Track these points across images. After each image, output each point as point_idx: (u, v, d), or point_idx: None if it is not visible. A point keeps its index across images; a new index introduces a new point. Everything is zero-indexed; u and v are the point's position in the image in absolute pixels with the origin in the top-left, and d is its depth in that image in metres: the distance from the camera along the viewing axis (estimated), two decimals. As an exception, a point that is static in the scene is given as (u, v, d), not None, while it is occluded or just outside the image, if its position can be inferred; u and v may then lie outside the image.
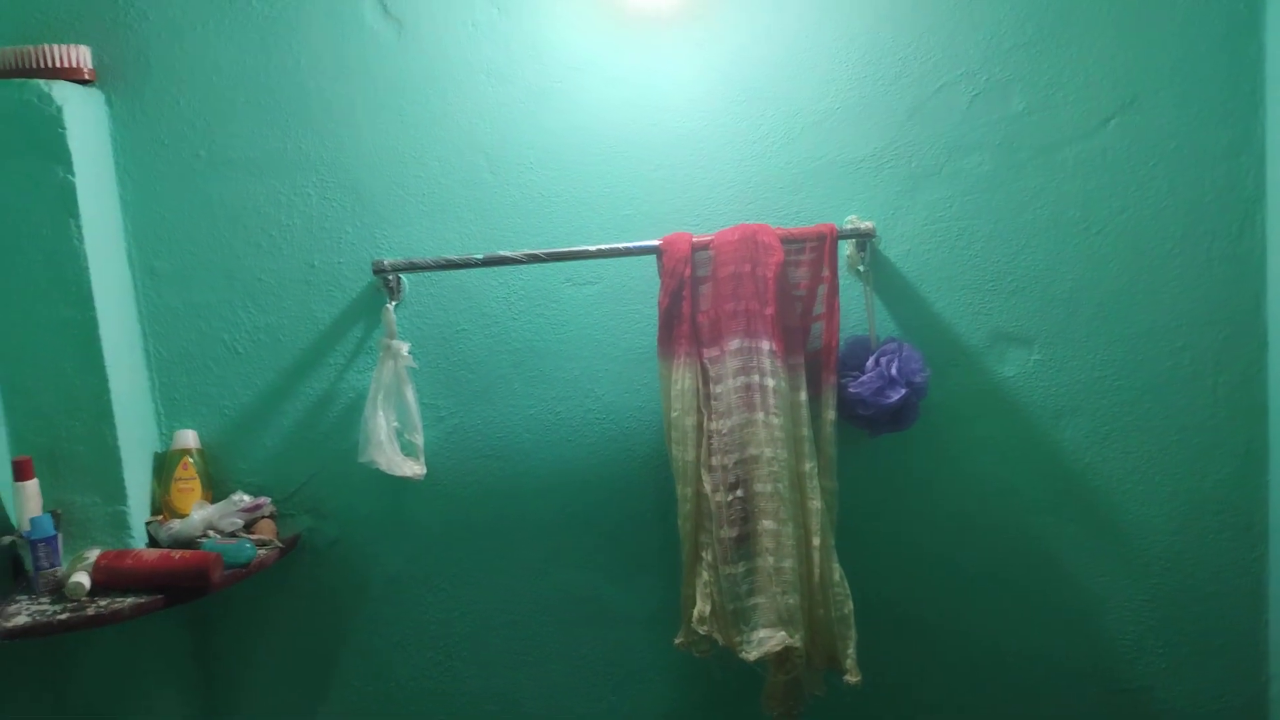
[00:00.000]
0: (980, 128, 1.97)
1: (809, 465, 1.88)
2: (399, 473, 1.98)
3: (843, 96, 1.99)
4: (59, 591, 1.82)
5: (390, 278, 2.05)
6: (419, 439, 2.02)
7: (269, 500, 2.10)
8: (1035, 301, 2.01)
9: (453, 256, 2.01)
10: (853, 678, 1.87)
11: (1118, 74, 1.94)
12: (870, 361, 1.94)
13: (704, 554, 1.92)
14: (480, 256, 1.99)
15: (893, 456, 2.06)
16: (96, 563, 1.85)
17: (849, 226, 1.98)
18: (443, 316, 2.09)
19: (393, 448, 1.99)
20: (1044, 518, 2.09)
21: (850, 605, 1.88)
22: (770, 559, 1.84)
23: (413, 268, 2.03)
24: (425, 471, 2.02)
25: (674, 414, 1.91)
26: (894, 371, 1.91)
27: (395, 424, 2.00)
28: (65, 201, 1.87)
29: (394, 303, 2.05)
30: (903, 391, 1.90)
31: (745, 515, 1.86)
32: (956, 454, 2.07)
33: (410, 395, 2.01)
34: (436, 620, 2.18)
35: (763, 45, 1.98)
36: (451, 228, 2.06)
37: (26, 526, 1.84)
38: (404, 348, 2.01)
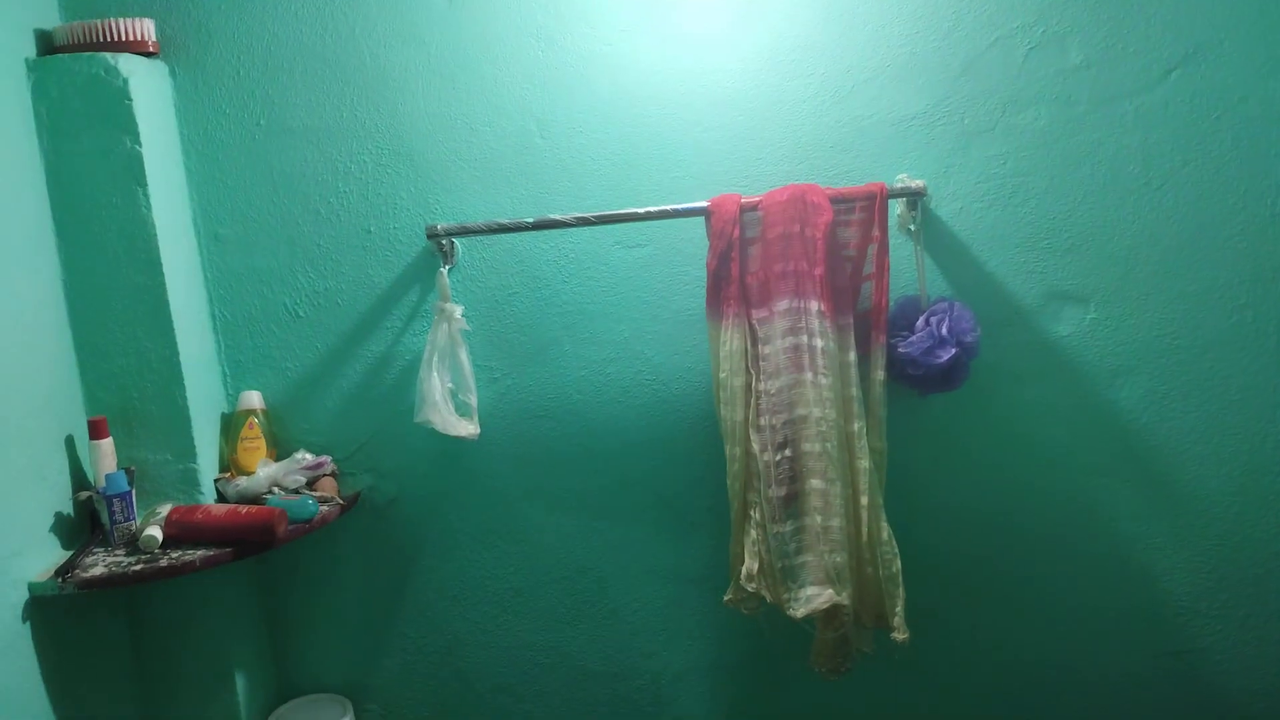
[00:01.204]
0: (1036, 82, 1.93)
1: (857, 425, 1.88)
2: (454, 432, 2.03)
3: (894, 53, 1.96)
4: (133, 544, 1.91)
5: (444, 242, 2.09)
6: (473, 399, 2.07)
7: (330, 459, 2.16)
8: (1091, 259, 1.98)
9: (504, 220, 2.04)
10: (901, 635, 1.88)
11: (1179, 25, 1.88)
12: (920, 321, 1.93)
13: (752, 512, 1.94)
14: (531, 220, 2.02)
15: (943, 416, 2.05)
16: (168, 517, 1.93)
17: (899, 185, 1.96)
18: (495, 280, 2.13)
19: (448, 408, 2.04)
20: (1099, 479, 2.06)
21: (898, 564, 1.89)
22: (818, 518, 1.85)
23: (465, 232, 2.07)
24: (479, 431, 2.07)
25: (722, 374, 1.93)
26: (944, 331, 1.89)
27: (450, 385, 2.05)
28: (134, 171, 1.94)
29: (448, 266, 2.10)
30: (953, 351, 1.88)
31: (793, 474, 1.87)
32: (1009, 414, 2.05)
33: (464, 357, 2.05)
34: (490, 575, 2.24)
35: (812, 4, 1.96)
36: (503, 192, 2.09)
37: (102, 483, 1.92)
38: (458, 310, 2.05)
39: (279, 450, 2.17)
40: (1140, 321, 1.99)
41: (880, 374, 1.91)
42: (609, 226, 2.05)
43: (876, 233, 1.91)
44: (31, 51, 1.95)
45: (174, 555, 1.88)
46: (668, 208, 1.98)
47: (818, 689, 2.12)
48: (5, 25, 1.88)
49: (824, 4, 1.96)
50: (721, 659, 2.23)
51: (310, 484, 2.12)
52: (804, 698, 2.20)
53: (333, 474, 2.16)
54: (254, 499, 2.04)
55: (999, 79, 1.94)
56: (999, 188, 1.97)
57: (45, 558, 1.85)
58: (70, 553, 1.89)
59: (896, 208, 1.99)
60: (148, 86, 1.99)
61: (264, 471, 2.08)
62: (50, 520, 1.88)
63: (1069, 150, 1.94)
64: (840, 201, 1.90)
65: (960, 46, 1.94)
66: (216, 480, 2.10)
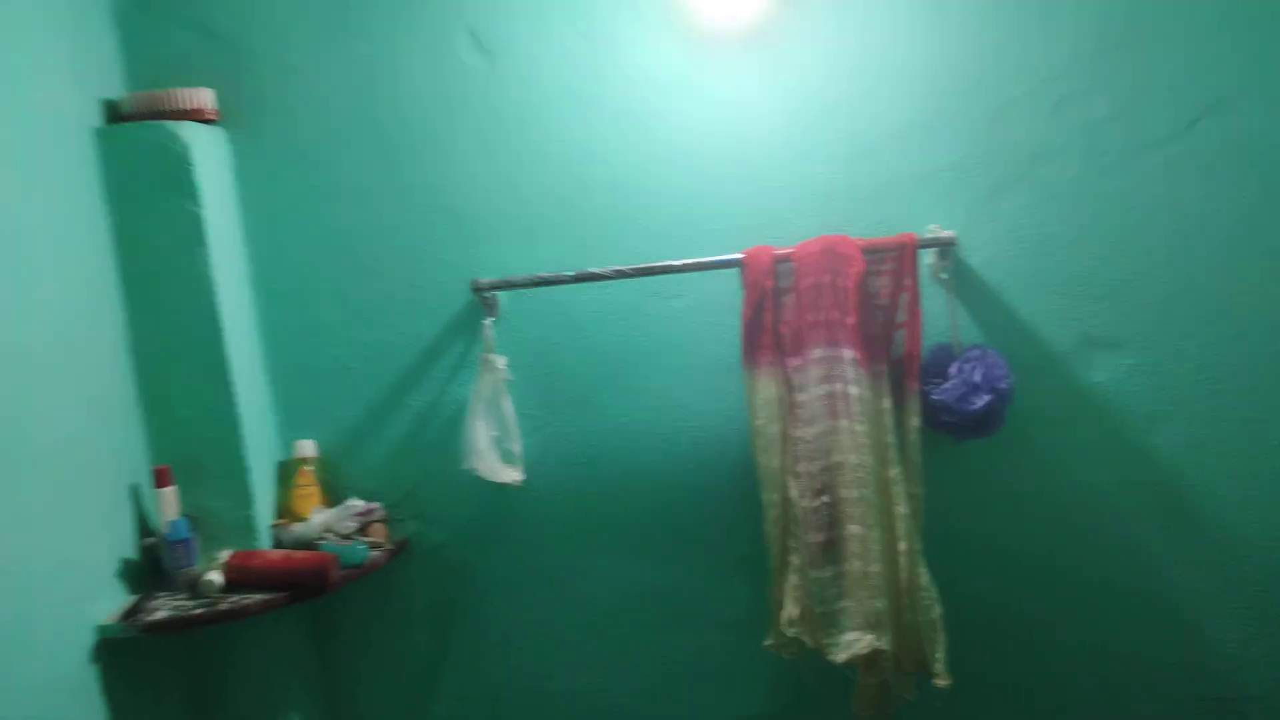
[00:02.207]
0: (1064, 133, 1.96)
1: (894, 471, 1.91)
2: (499, 479, 2.10)
3: (922, 107, 2.01)
4: (194, 588, 1.98)
5: (488, 295, 2.16)
6: (517, 447, 2.13)
7: (380, 505, 2.24)
8: (1126, 305, 1.99)
9: (545, 274, 2.11)
10: (942, 681, 1.89)
11: (1202, 75, 1.90)
12: (953, 368, 1.96)
13: (791, 558, 1.97)
14: (571, 273, 2.09)
15: (980, 462, 2.07)
16: (228, 562, 2.01)
17: (930, 235, 2.00)
18: (537, 331, 2.20)
19: (492, 455, 2.11)
20: (1139, 524, 2.06)
21: (938, 609, 1.90)
22: (858, 563, 1.88)
23: (508, 285, 2.14)
24: (523, 478, 2.13)
25: (759, 422, 1.97)
26: (978, 378, 1.92)
27: (494, 433, 2.12)
28: (195, 232, 2.04)
29: (491, 319, 2.17)
30: (987, 398, 1.91)
31: (832, 521, 1.90)
32: (1046, 459, 2.07)
33: (508, 406, 2.12)
34: (535, 620, 2.29)
35: (841, 60, 2.02)
36: (544, 246, 2.16)
37: (166, 529, 2.01)
38: (501, 361, 2.12)
39: (331, 497, 2.25)
40: (1177, 367, 2.00)
41: (915, 420, 1.94)
42: (646, 278, 2.10)
43: (908, 282, 1.94)
44: (100, 120, 2.07)
45: (233, 599, 1.95)
46: (703, 260, 2.04)
47: (859, 734, 2.13)
48: (77, 96, 2.00)
49: (852, 61, 2.01)
50: (762, 704, 2.25)
51: (362, 530, 2.19)
52: (846, 743, 2.21)
53: (383, 520, 2.23)
54: (308, 544, 2.12)
55: (1027, 131, 1.97)
56: (1030, 236, 2.00)
57: (113, 601, 1.94)
58: (136, 596, 1.98)
59: (928, 257, 2.03)
60: (207, 152, 2.10)
61: (317, 518, 2.15)
62: (117, 565, 1.97)
63: (1099, 199, 1.97)
64: (871, 252, 1.94)
65: (987, 100, 1.98)
66: (273, 526, 2.18)
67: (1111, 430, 2.04)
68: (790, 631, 1.96)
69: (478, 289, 2.14)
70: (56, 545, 1.78)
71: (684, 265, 2.04)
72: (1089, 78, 1.94)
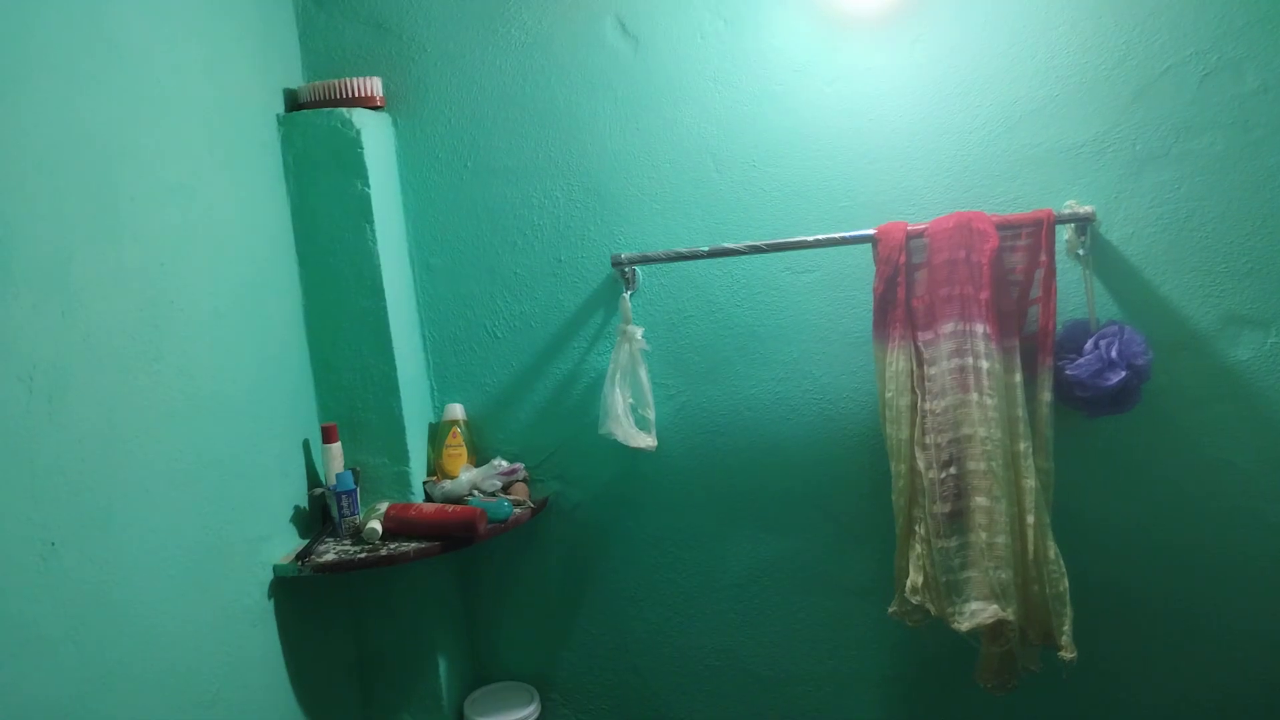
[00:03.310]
0: (1211, 107, 1.94)
1: (1023, 445, 1.93)
2: (634, 444, 2.20)
3: (1063, 83, 2.01)
4: (357, 535, 2.17)
5: (626, 270, 2.27)
6: (651, 414, 2.24)
7: (523, 466, 2.38)
8: (1272, 282, 1.95)
9: (682, 249, 2.21)
10: (1068, 654, 1.90)
11: (1363, 45, 1.85)
12: (1089, 344, 1.95)
13: (917, 528, 2.01)
14: (707, 248, 2.17)
15: (1113, 439, 2.06)
16: (387, 513, 2.19)
17: (1068, 211, 2.00)
18: (672, 304, 2.29)
19: (628, 422, 2.21)
20: (1277, 503, 2.01)
21: (1066, 582, 1.91)
22: (983, 534, 1.90)
23: (646, 260, 2.25)
24: (656, 444, 2.23)
25: (888, 394, 2.02)
26: (1114, 354, 1.91)
27: (630, 400, 2.22)
28: (363, 209, 2.22)
29: (629, 292, 2.28)
30: (1123, 374, 1.90)
31: (958, 492, 1.93)
32: (1183, 437, 2.04)
33: (643, 375, 2.23)
34: (666, 580, 2.40)
35: (979, 37, 2.04)
36: (681, 223, 2.26)
37: (333, 481, 2.20)
38: (638, 332, 2.23)
39: (478, 457, 2.41)
40: (1327, 346, 1.95)
41: (1047, 395, 1.95)
42: (779, 254, 2.17)
43: (1043, 258, 1.95)
44: (281, 108, 2.27)
45: (392, 547, 2.13)
46: (836, 235, 2.09)
47: (984, 704, 2.15)
48: (263, 87, 2.21)
49: (991, 38, 2.03)
50: (887, 670, 2.30)
51: (505, 488, 2.34)
52: (969, 712, 2.24)
53: (525, 480, 2.38)
54: (457, 500, 2.28)
55: (1172, 105, 1.95)
56: (1172, 212, 1.98)
57: (286, 543, 2.14)
58: (305, 540, 2.18)
59: (1064, 233, 2.03)
60: (375, 136, 2.27)
61: (465, 476, 2.31)
62: (290, 511, 2.17)
63: (1246, 175, 1.93)
64: (1006, 228, 1.96)
65: (1131, 75, 1.96)
66: (424, 482, 2.35)
67: (1253, 409, 2.00)
68: (914, 599, 2.00)
69: (617, 263, 2.25)
70: (241, 489, 1.98)
71: (817, 241, 2.10)
72: (1240, 49, 1.90)
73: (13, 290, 1.42)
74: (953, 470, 1.93)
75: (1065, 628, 1.91)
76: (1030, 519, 1.92)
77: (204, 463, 1.85)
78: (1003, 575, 1.89)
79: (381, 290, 2.24)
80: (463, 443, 2.38)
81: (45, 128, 1.52)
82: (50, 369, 1.48)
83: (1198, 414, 2.03)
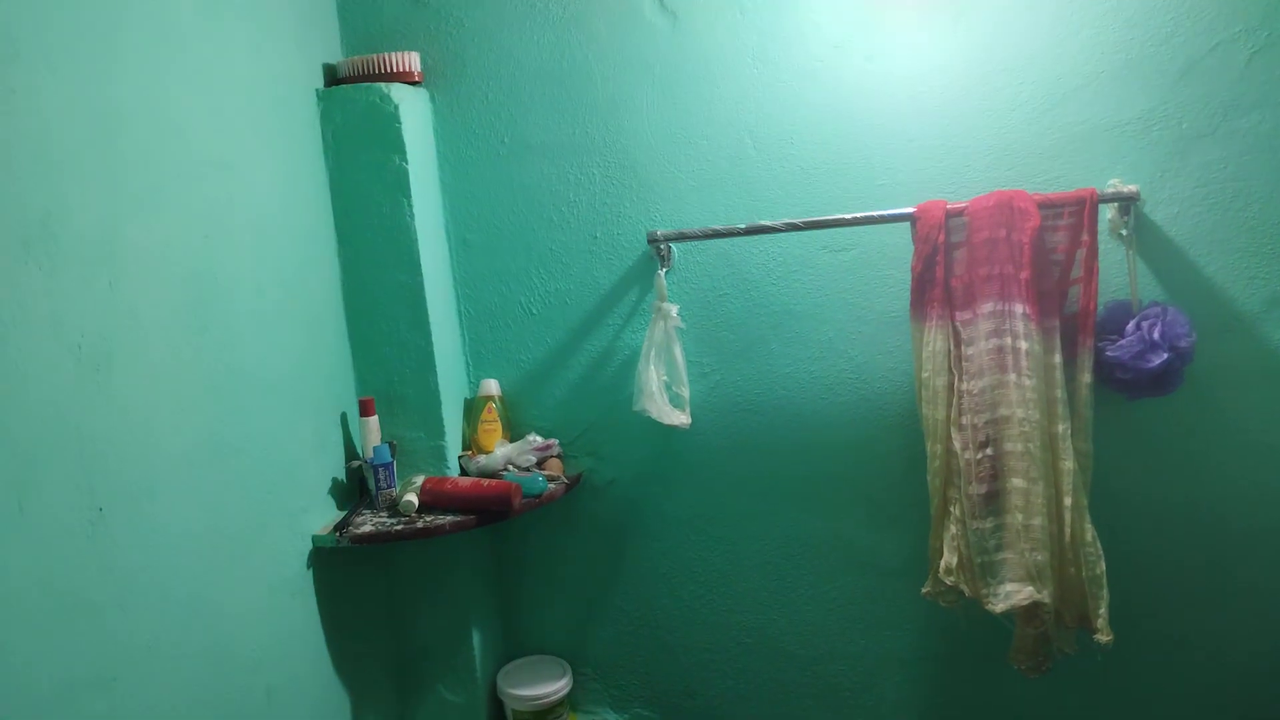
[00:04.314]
0: (1260, 85, 1.89)
1: (1062, 426, 1.91)
2: (668, 421, 2.21)
3: (1109, 59, 1.97)
4: (394, 508, 2.20)
5: (662, 247, 2.27)
6: (685, 392, 2.24)
7: (557, 442, 2.40)
8: (1321, 265, 1.92)
9: (718, 227, 2.20)
10: (1104, 637, 1.89)
11: None
12: (1131, 325, 1.93)
13: (952, 508, 2.00)
14: (743, 226, 2.16)
15: (1154, 421, 2.04)
16: (423, 486, 2.21)
17: (1111, 190, 1.97)
18: (708, 282, 2.29)
19: (663, 399, 2.22)
20: (1326, 492, 1.99)
21: (1103, 565, 1.90)
22: (1019, 516, 1.89)
23: (682, 237, 2.24)
24: (690, 421, 2.23)
25: (925, 374, 2.00)
26: (1156, 336, 1.89)
27: (665, 378, 2.23)
28: (400, 184, 2.23)
29: (665, 269, 2.28)
30: (1165, 356, 1.88)
31: (995, 473, 1.92)
32: (1226, 421, 2.01)
33: (678, 352, 2.23)
34: (698, 557, 2.41)
35: (1023, 13, 2.00)
36: (717, 200, 2.25)
37: (370, 454, 2.23)
38: (673, 310, 2.23)
39: (512, 433, 2.43)
40: (1377, 329, 1.91)
41: (1087, 376, 1.93)
42: (816, 232, 2.16)
43: (1085, 238, 1.93)
44: (320, 83, 2.28)
45: (428, 519, 2.15)
46: (874, 214, 2.07)
47: (1018, 686, 2.15)
48: (303, 62, 2.22)
49: (1036, 13, 2.00)
50: (920, 650, 2.30)
51: (539, 464, 2.36)
52: (1003, 693, 2.24)
53: (559, 455, 2.40)
54: (492, 474, 2.30)
55: (1219, 83, 1.91)
56: (1219, 192, 1.95)
57: (324, 515, 2.17)
58: (343, 513, 2.21)
59: (1107, 212, 2.00)
60: (413, 111, 2.28)
61: (500, 451, 2.33)
62: (328, 484, 2.20)
63: (1297, 153, 1.90)
64: (1048, 207, 1.94)
65: (1178, 52, 1.93)
66: (460, 457, 2.37)
67: (1300, 393, 1.97)
68: (948, 580, 1.99)
69: (653, 240, 2.25)
70: (282, 460, 2.01)
71: (855, 219, 2.08)
72: (1292, 26, 1.86)
73: (62, 261, 1.45)
74: (989, 451, 1.92)
75: (1101, 610, 1.90)
76: (1068, 501, 1.90)
77: (245, 435, 1.88)
78: (1039, 557, 1.88)
79: (419, 265, 2.26)
80: (497, 418, 2.40)
81: (93, 103, 1.54)
82: (97, 339, 1.51)
83: (1241, 397, 2.00)
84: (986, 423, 1.92)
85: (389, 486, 2.22)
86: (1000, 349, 1.92)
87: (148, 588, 1.59)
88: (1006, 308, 1.91)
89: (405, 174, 2.23)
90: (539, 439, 2.38)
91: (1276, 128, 1.90)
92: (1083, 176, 2.00)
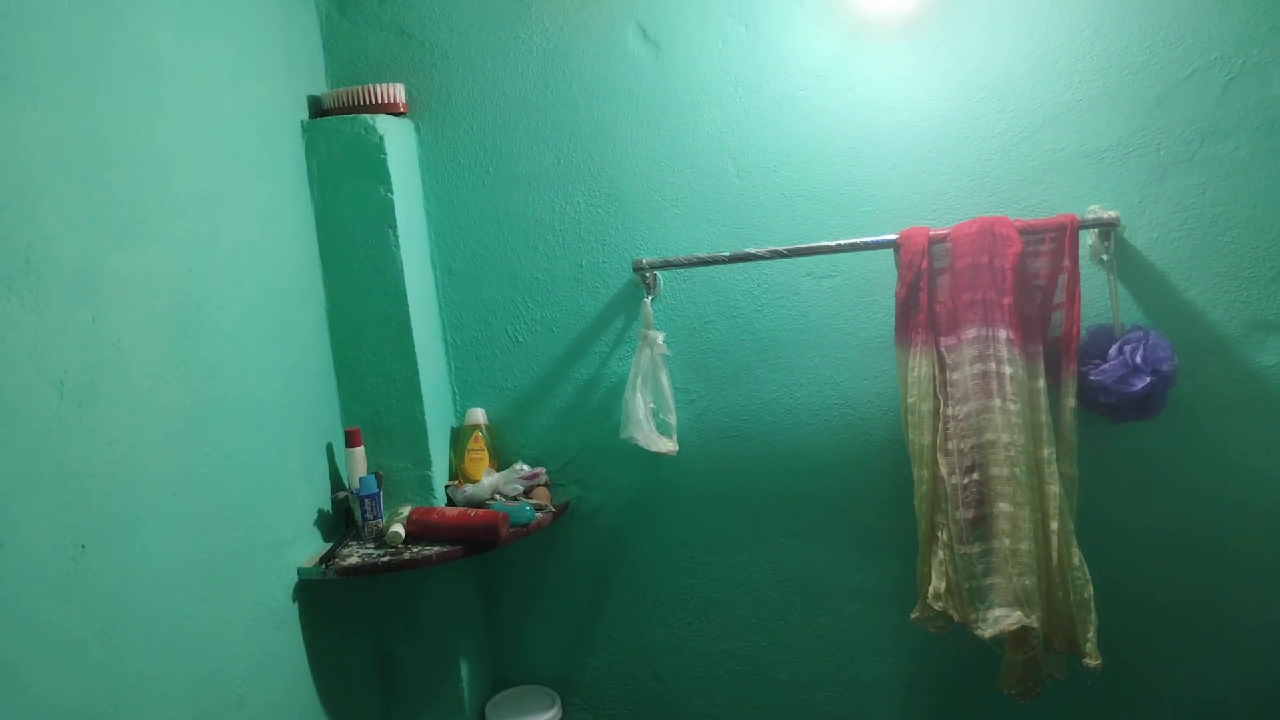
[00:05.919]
0: (1236, 112, 1.93)
1: (1047, 451, 1.92)
2: (655, 449, 2.20)
3: (1087, 87, 2.00)
4: (381, 539, 2.18)
5: (647, 275, 2.28)
6: (672, 419, 2.24)
7: (544, 470, 2.39)
8: (1299, 288, 1.94)
9: (703, 254, 2.21)
10: (1093, 661, 1.89)
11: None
12: (1113, 350, 1.94)
13: (940, 533, 2.00)
14: (728, 254, 2.18)
15: (1137, 445, 2.05)
16: (409, 516, 2.19)
17: (1091, 216, 1.99)
18: (693, 309, 2.30)
19: (649, 426, 2.22)
20: (1310, 513, 2.00)
21: (1090, 589, 1.90)
22: (1006, 540, 1.90)
23: (667, 265, 2.25)
24: (677, 448, 2.23)
25: (910, 399, 2.01)
26: (1138, 360, 1.91)
27: (651, 405, 2.23)
28: (386, 215, 2.24)
29: (651, 297, 2.28)
30: (1148, 380, 1.89)
31: (981, 498, 1.93)
32: (1210, 443, 2.03)
33: (665, 380, 2.23)
34: (686, 584, 2.40)
35: (1003, 42, 2.03)
36: (702, 228, 2.26)
37: (356, 484, 2.21)
38: (659, 337, 2.23)
39: (499, 461, 2.42)
40: (1355, 352, 1.93)
41: (1071, 401, 1.94)
42: (801, 259, 2.17)
43: (1067, 263, 1.94)
44: (305, 114, 2.29)
45: (415, 550, 2.13)
46: (857, 240, 2.09)
47: (1008, 711, 2.14)
48: (288, 94, 2.22)
49: (1015, 43, 2.02)
50: (909, 676, 2.29)
51: (527, 492, 2.35)
52: (994, 719, 2.23)
53: (546, 484, 2.39)
54: (479, 504, 2.29)
55: (1196, 110, 1.94)
56: (1198, 217, 1.97)
57: (310, 547, 2.15)
58: (329, 544, 2.19)
59: (1088, 238, 2.02)
60: (398, 142, 2.29)
61: (487, 480, 2.32)
62: (314, 515, 2.19)
63: (1272, 179, 1.92)
64: (1029, 233, 1.96)
65: (1155, 79, 1.96)
66: (447, 486, 2.36)
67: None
68: (937, 605, 1.99)
69: (638, 269, 2.26)
70: (267, 492, 1.99)
71: (839, 246, 2.10)
72: (1264, 55, 1.89)
73: (45, 296, 1.44)
74: (975, 476, 1.93)
75: (1090, 635, 1.90)
76: (1054, 525, 1.91)
77: (230, 467, 1.87)
78: (1026, 582, 1.88)
79: (404, 295, 2.25)
80: (484, 447, 2.39)
81: (75, 135, 1.54)
82: (80, 374, 1.50)
83: (1223, 420, 2.01)
84: (972, 447, 1.93)
85: (375, 517, 2.21)
86: (985, 374, 1.93)
87: (131, 622, 1.57)
88: (990, 333, 1.93)
89: (390, 205, 2.23)
90: (526, 467, 2.37)
91: (1253, 153, 1.93)
92: (1063, 202, 2.03)
